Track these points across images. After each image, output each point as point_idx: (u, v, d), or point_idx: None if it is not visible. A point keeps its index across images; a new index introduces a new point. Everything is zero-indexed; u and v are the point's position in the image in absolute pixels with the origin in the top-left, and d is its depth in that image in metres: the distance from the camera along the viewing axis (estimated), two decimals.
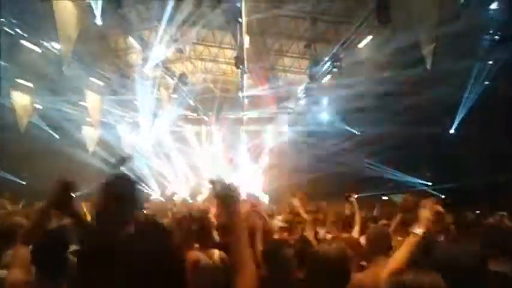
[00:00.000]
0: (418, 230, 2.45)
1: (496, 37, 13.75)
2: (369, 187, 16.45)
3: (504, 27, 13.28)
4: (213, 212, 6.07)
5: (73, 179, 2.68)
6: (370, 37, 13.31)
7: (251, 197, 16.82)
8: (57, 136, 18.37)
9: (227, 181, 2.04)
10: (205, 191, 20.98)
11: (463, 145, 15.85)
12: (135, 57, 15.48)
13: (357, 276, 2.82)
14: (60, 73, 13.07)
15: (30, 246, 2.68)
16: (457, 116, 16.82)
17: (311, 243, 4.64)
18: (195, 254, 3.80)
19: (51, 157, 15.55)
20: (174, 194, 20.24)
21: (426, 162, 17.28)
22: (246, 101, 19.80)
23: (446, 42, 12.18)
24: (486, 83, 15.13)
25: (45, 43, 12.81)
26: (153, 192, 20.46)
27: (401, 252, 2.42)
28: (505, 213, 7.56)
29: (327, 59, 15.36)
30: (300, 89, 18.82)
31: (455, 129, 17.12)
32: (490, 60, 14.79)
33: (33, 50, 12.89)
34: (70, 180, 2.67)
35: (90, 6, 11.25)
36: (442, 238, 4.85)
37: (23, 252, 2.62)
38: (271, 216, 7.64)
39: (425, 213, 2.52)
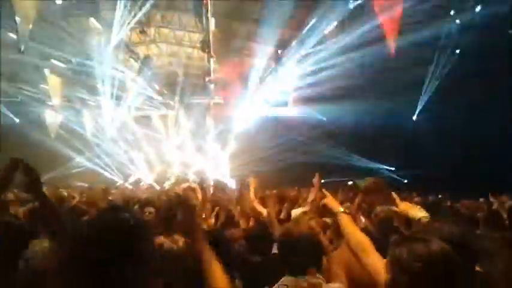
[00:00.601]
0: (340, 210, 2.69)
1: (457, 23, 14.06)
2: (334, 173, 16.73)
3: (465, 14, 13.61)
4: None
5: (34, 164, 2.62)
6: (335, 23, 13.39)
7: (218, 183, 16.87)
8: (17, 120, 17.81)
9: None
10: (172, 177, 20.96)
11: (425, 131, 16.26)
12: (97, 39, 15.05)
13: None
14: (20, 54, 12.61)
15: None
16: (419, 103, 17.23)
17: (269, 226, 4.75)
18: (159, 239, 3.81)
19: (11, 141, 15.05)
20: (139, 180, 20.05)
21: (390, 148, 17.63)
22: (212, 85, 19.66)
23: (408, 29, 12.41)
24: (446, 70, 15.51)
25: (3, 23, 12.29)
26: (117, 178, 20.19)
27: (355, 233, 2.49)
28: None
29: (294, 44, 15.39)
30: (266, 74, 18.82)
31: (418, 116, 17.55)
32: (450, 47, 15.14)
33: None
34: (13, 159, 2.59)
35: None
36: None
37: None
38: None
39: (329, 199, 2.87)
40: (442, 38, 14.67)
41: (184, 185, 6.94)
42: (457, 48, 15.01)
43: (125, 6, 16.99)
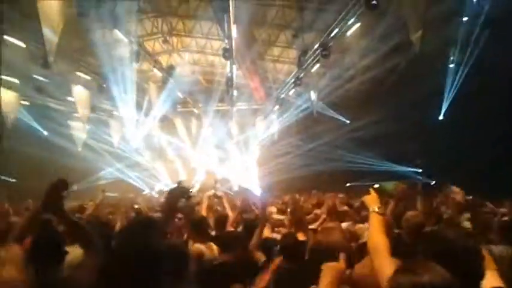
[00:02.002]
0: (374, 210, 2.54)
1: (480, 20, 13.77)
2: (360, 178, 16.51)
3: (489, 10, 13.32)
4: (204, 206, 6.06)
5: (63, 177, 2.67)
6: (357, 25, 13.19)
7: (243, 190, 16.85)
8: (45, 132, 18.14)
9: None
10: (197, 184, 21.07)
11: (452, 131, 15.91)
12: (122, 51, 15.28)
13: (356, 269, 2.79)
14: (46, 68, 12.85)
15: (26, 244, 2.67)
16: (444, 102, 16.89)
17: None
18: (199, 247, 3.79)
19: (40, 153, 15.36)
20: (164, 189, 20.18)
21: (417, 150, 17.32)
22: (235, 92, 19.69)
23: (431, 27, 12.18)
24: (468, 67, 15.16)
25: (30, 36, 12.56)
26: (144, 187, 20.38)
27: (376, 233, 2.40)
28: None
29: (315, 47, 15.27)
30: (289, 79, 18.76)
31: (444, 115, 17.20)
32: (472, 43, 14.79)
33: (17, 45, 12.65)
34: (61, 179, 2.65)
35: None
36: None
37: (16, 250, 2.59)
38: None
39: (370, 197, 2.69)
40: (463, 35, 14.38)
41: (210, 193, 6.93)
42: (477, 45, 14.66)
43: (148, 17, 17.31)
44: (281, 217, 5.87)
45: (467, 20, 13.90)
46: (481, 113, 14.66)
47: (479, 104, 14.47)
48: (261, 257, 3.82)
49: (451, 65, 15.61)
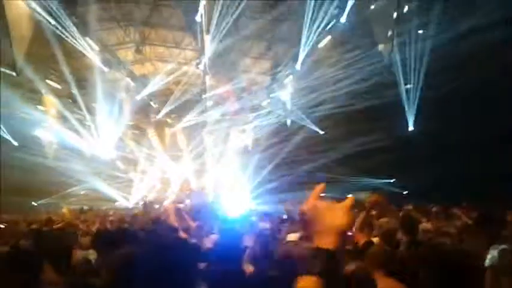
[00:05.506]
0: None
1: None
2: (333, 190, 16.42)
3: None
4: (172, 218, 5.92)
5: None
6: (329, 37, 13.40)
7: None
8: (15, 142, 17.52)
9: None
10: (172, 196, 20.81)
11: (422, 141, 16.10)
12: (93, 59, 15.05)
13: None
14: (15, 74, 12.53)
15: None
16: (412, 113, 17.07)
17: None
18: None
19: (11, 165, 14.81)
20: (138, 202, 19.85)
21: (389, 161, 17.42)
22: (209, 102, 19.63)
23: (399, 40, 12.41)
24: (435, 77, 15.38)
25: None
26: (118, 198, 19.99)
27: None
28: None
29: (287, 59, 15.42)
30: (263, 90, 18.83)
31: (413, 126, 17.37)
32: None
33: None
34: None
35: (45, 6, 10.89)
36: None
37: None
38: None
39: None
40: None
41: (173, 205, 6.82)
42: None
43: (119, 25, 17.16)
44: None
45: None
46: (451, 121, 14.88)
47: (450, 113, 14.72)
48: None
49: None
